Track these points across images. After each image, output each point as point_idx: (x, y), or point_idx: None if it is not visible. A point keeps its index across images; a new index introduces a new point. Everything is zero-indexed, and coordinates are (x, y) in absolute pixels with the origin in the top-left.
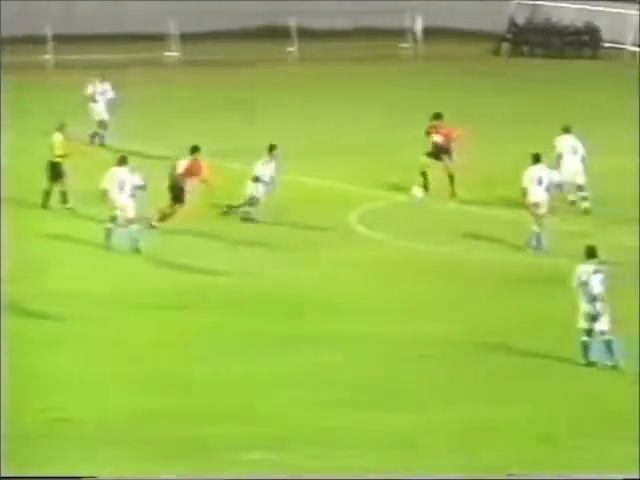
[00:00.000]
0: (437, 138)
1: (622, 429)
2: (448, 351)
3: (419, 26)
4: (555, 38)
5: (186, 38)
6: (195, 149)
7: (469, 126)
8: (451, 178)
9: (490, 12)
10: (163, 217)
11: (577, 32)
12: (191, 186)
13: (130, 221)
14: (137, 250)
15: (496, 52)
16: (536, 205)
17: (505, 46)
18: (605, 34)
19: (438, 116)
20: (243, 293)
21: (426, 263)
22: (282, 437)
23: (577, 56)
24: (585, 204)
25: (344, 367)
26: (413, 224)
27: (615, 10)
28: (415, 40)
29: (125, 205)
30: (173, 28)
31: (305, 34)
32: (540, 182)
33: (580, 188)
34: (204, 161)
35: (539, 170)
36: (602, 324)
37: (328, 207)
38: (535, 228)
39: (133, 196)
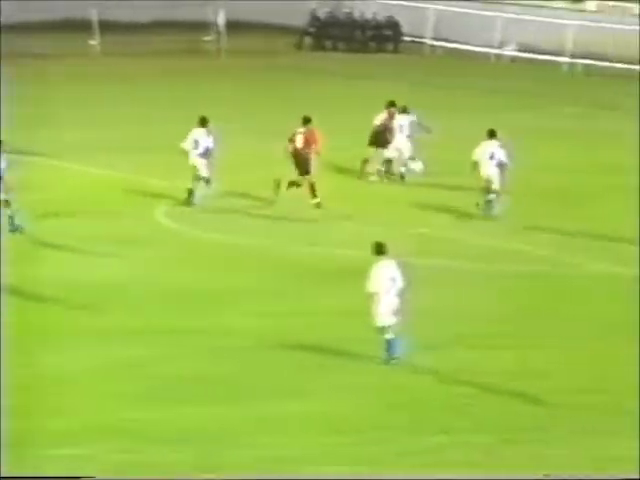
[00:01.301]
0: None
1: (423, 421)
2: (256, 345)
3: (222, 20)
4: (357, 32)
5: None
6: (307, 120)
7: (273, 120)
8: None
9: (293, 6)
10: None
11: (379, 26)
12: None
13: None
14: None
15: (299, 46)
16: (488, 180)
17: (307, 40)
18: (405, 28)
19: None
20: (45, 286)
21: (237, 256)
22: (89, 432)
23: (379, 50)
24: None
25: (154, 361)
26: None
27: (414, 4)
28: (218, 34)
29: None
30: None
31: (108, 27)
32: (492, 157)
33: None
34: (318, 132)
35: (491, 146)
36: (389, 318)
37: (136, 202)
38: (490, 197)
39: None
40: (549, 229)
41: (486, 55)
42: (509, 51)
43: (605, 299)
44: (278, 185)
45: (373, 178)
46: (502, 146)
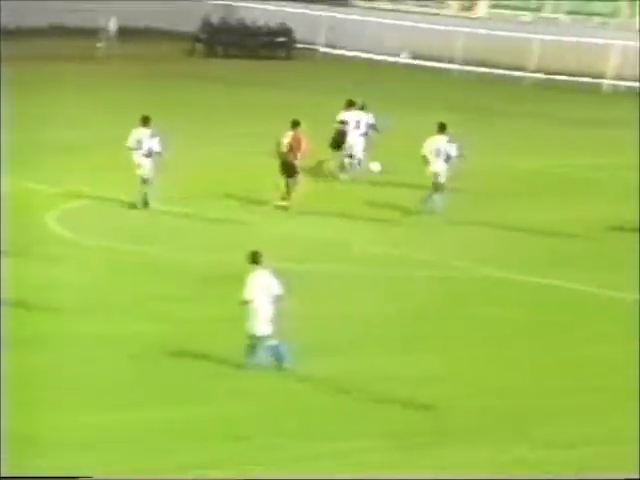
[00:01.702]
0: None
1: (311, 425)
2: (150, 353)
3: (113, 26)
4: (250, 39)
5: None
6: (296, 123)
7: (168, 127)
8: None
9: (186, 12)
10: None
11: (271, 33)
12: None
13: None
14: None
15: (191, 53)
16: (436, 175)
17: (199, 47)
18: (299, 35)
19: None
20: None
21: (132, 263)
22: None
23: (272, 56)
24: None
25: (53, 368)
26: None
27: (307, 11)
28: (110, 40)
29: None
30: None
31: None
32: (438, 154)
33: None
34: (304, 135)
35: (440, 141)
36: (265, 327)
37: (27, 208)
38: (435, 196)
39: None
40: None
41: (379, 62)
42: (403, 58)
43: (500, 302)
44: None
45: (343, 176)
46: (451, 140)
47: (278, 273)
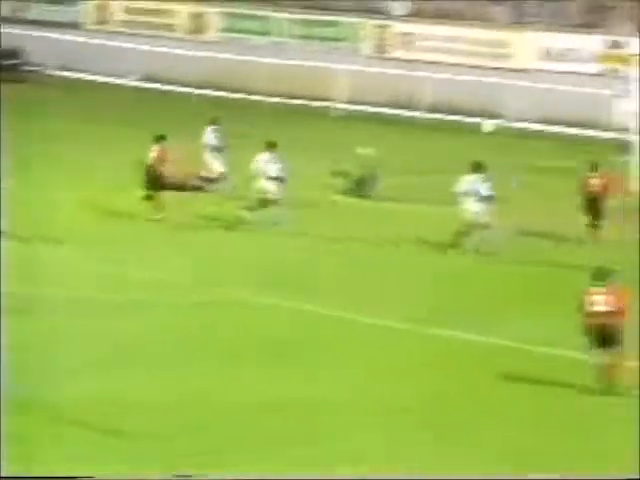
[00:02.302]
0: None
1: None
2: None
3: None
4: None
5: None
6: (161, 137)
7: None
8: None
9: None
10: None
11: (1, 56)
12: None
13: None
14: None
15: None
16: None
17: None
18: (34, 58)
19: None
20: None
21: None
22: None
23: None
24: None
25: None
26: None
27: (42, 34)
28: None
29: None
30: None
31: None
32: (265, 170)
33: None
34: (171, 149)
35: (267, 158)
36: None
37: None
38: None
39: None
40: None
41: (111, 85)
42: (133, 80)
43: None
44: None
45: None
46: (276, 160)
47: None
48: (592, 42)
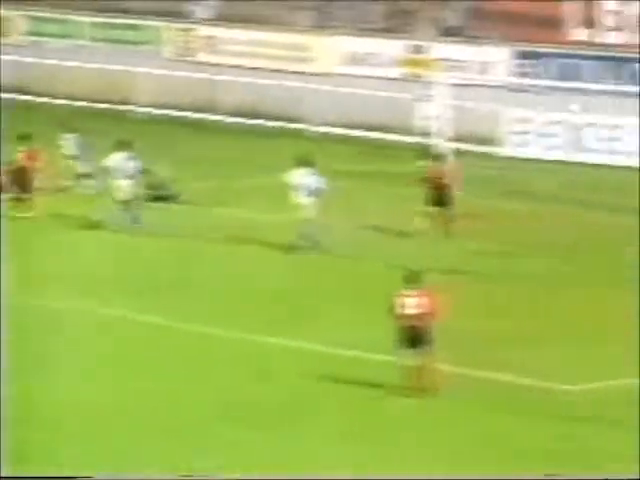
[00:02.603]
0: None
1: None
2: None
3: None
4: None
5: None
6: (25, 136)
7: None
8: None
9: None
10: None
11: None
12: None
13: None
14: None
15: None
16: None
17: None
18: None
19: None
20: None
21: None
22: None
23: None
24: None
25: None
26: None
27: None
28: None
29: None
30: None
31: None
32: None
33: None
34: (39, 150)
35: (121, 159)
36: None
37: None
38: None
39: None
40: None
41: None
42: None
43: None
44: None
45: None
46: (132, 158)
47: None
48: (394, 46)
